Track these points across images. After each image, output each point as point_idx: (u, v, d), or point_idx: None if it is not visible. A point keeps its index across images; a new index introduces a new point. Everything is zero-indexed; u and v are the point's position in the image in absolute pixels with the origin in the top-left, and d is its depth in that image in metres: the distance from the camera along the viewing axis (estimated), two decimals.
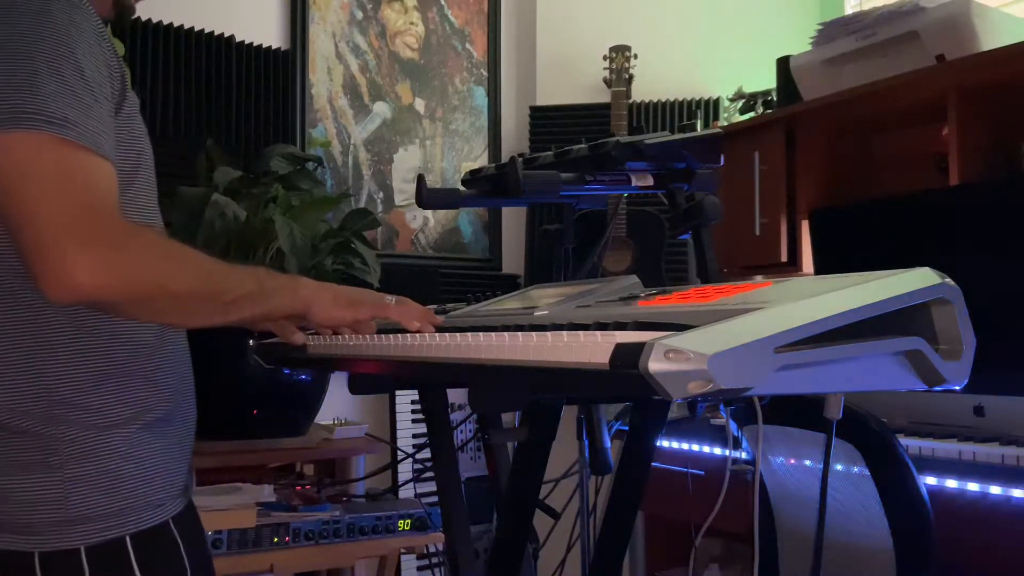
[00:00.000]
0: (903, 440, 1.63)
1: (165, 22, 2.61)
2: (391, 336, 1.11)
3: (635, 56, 2.95)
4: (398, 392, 2.74)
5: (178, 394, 1.10)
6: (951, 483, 1.60)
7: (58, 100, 0.90)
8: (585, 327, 0.82)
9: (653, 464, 1.47)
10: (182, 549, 1.05)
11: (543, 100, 3.22)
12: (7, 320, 0.99)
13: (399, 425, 2.76)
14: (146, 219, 1.08)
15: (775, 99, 2.71)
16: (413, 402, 2.76)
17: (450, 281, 3.04)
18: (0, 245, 0.98)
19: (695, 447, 2.18)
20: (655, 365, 0.64)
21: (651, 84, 3.13)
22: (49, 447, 0.98)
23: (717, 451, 2.11)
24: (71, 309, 0.99)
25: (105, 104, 0.97)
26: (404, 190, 3.05)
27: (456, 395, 2.34)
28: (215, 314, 1.03)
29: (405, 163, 3.07)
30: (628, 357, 0.66)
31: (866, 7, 2.69)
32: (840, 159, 2.54)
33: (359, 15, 3.00)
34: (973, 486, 1.57)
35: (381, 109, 3.04)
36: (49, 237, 0.88)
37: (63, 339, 1.00)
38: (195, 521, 1.12)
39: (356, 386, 1.43)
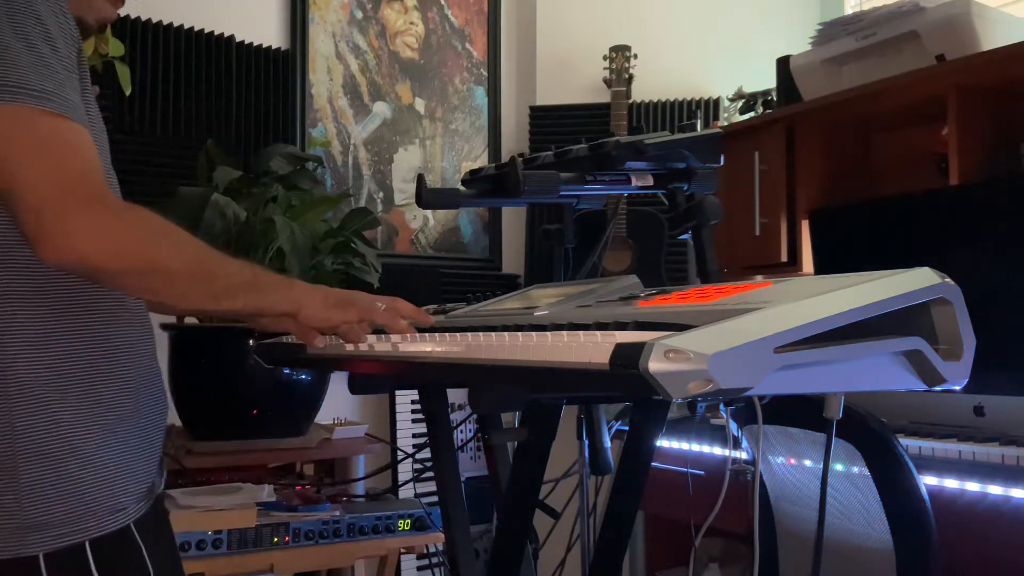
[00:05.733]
0: (903, 440, 1.63)
1: (165, 22, 2.61)
2: (391, 336, 1.11)
3: (635, 56, 2.95)
4: (398, 392, 2.74)
5: (142, 390, 1.07)
6: (951, 483, 1.60)
7: (36, 72, 0.91)
8: (585, 327, 0.82)
9: (653, 464, 1.47)
10: (145, 554, 1.02)
11: (543, 100, 3.22)
12: None
13: (399, 425, 2.76)
14: None
15: (775, 99, 2.71)
16: (413, 402, 2.75)
17: (450, 281, 3.04)
18: None
19: (695, 447, 2.18)
20: (655, 365, 0.64)
21: (651, 84, 3.13)
22: (4, 449, 0.95)
23: (717, 451, 2.11)
24: (26, 301, 0.97)
25: (75, 77, 0.98)
26: (404, 190, 3.05)
27: (456, 395, 2.34)
28: (207, 299, 1.03)
29: (405, 163, 3.07)
30: (628, 357, 0.66)
31: (866, 7, 2.69)
32: (840, 159, 2.54)
33: (359, 15, 3.00)
34: (973, 486, 1.57)
35: (381, 109, 3.03)
36: (49, 201, 0.89)
37: (18, 332, 0.97)
38: (161, 523, 1.09)
39: (356, 386, 1.43)
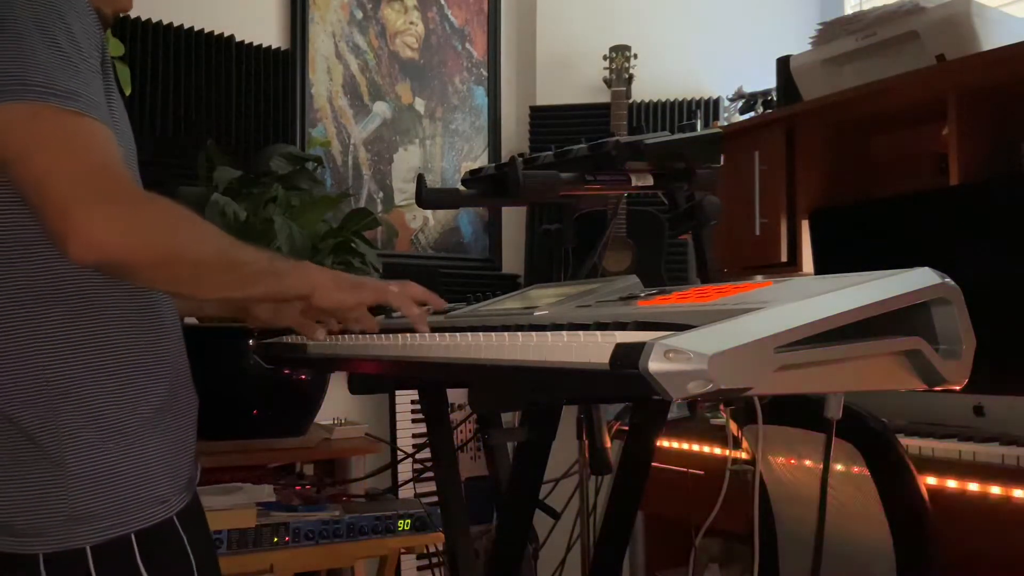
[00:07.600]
0: (903, 440, 1.63)
1: (165, 22, 2.61)
2: (391, 336, 1.11)
3: (635, 56, 2.95)
4: (398, 392, 2.74)
5: (177, 381, 1.09)
6: (951, 483, 1.60)
7: (58, 72, 0.92)
8: (585, 327, 0.82)
9: (653, 464, 1.47)
10: (187, 545, 1.04)
11: (543, 100, 3.22)
12: (4, 311, 0.98)
13: (399, 425, 2.76)
14: None
15: (775, 99, 2.71)
16: (413, 402, 2.75)
17: (450, 281, 3.04)
18: None
19: (695, 447, 2.18)
20: (655, 365, 0.64)
21: (651, 84, 3.13)
22: (51, 444, 0.96)
23: (717, 451, 2.11)
24: (60, 299, 0.98)
25: (98, 75, 0.98)
26: (404, 190, 3.05)
27: (456, 395, 2.34)
28: (230, 287, 1.04)
29: (405, 163, 3.07)
30: (628, 357, 0.66)
31: (866, 7, 2.69)
32: (840, 159, 2.54)
33: (359, 15, 3.00)
34: (973, 486, 1.57)
35: (381, 109, 3.03)
36: (72, 198, 0.89)
37: (56, 329, 0.98)
38: (200, 516, 1.11)
39: (356, 386, 1.43)
